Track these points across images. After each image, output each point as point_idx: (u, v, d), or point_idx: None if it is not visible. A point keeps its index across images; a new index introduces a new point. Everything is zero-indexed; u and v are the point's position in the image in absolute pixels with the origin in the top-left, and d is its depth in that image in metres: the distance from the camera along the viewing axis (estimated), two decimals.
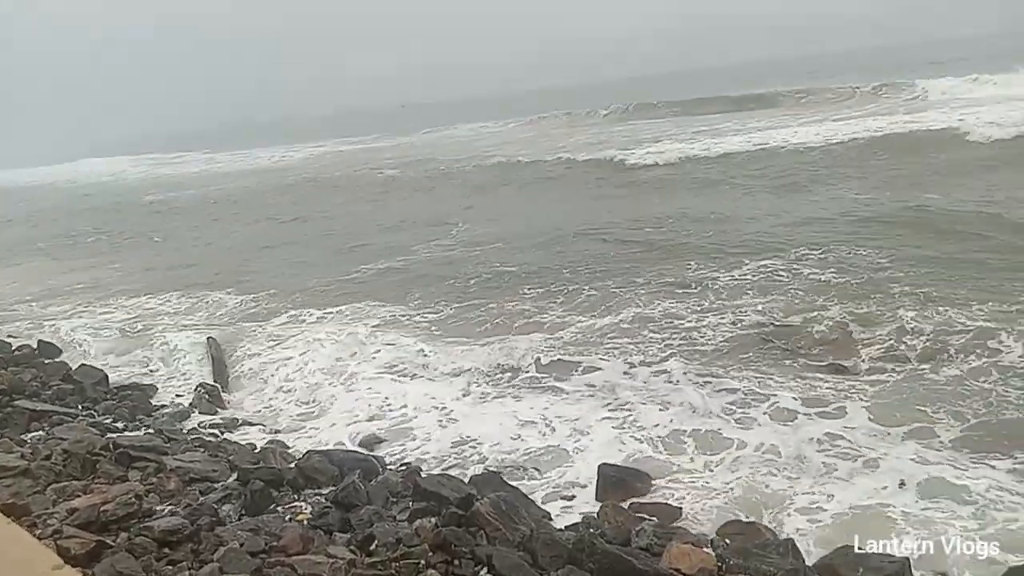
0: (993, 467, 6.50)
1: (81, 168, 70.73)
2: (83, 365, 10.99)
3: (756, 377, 8.78)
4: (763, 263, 12.56)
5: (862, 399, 7.95)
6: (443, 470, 7.50)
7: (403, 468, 7.47)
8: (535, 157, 31.81)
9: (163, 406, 9.65)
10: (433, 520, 5.86)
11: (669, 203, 19.40)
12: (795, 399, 8.12)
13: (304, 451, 7.61)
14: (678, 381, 8.90)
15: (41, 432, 7.96)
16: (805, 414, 7.80)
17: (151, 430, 8.35)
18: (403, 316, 12.67)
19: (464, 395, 9.34)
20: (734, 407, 8.15)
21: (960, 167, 18.66)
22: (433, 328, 11.99)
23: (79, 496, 5.87)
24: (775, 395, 8.26)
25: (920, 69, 49.78)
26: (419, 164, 36.86)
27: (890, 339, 9.13)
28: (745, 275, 12.14)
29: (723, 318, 10.52)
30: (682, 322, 10.60)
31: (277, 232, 23.50)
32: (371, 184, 32.62)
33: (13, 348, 11.88)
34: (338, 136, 70.37)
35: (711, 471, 7.05)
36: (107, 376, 10.46)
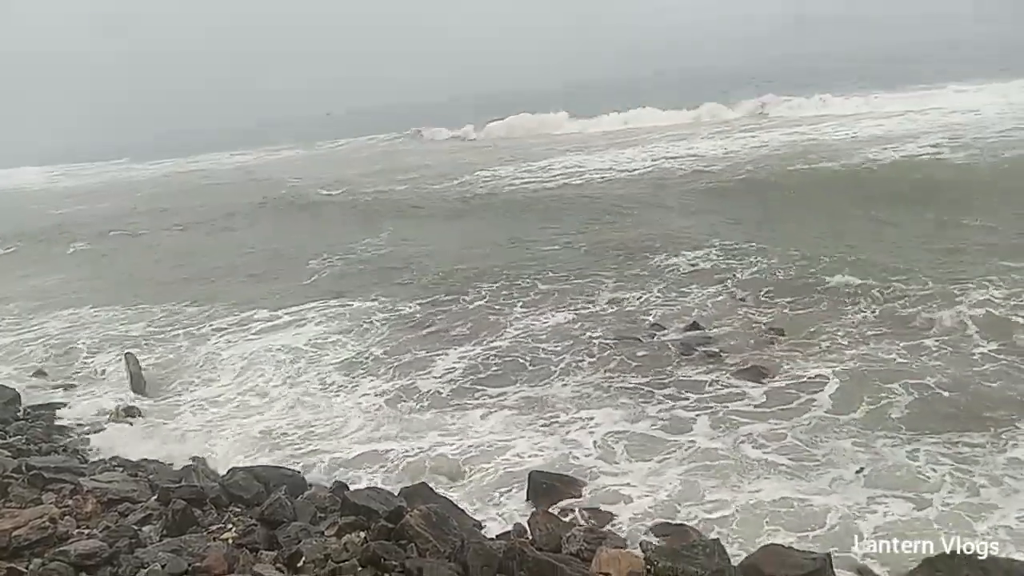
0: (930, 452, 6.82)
1: None
2: None
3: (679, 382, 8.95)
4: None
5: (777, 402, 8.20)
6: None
7: (331, 483, 7.38)
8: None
9: (80, 425, 9.31)
10: (362, 534, 5.81)
11: None
12: (717, 403, 8.32)
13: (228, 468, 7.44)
14: (609, 387, 9.01)
15: None
16: (733, 417, 7.97)
17: (67, 451, 8.04)
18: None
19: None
20: (664, 413, 8.30)
21: None
22: None
23: None
24: (701, 400, 8.44)
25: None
26: None
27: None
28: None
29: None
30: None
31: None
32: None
33: None
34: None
35: (641, 474, 7.14)
36: (19, 395, 10.05)
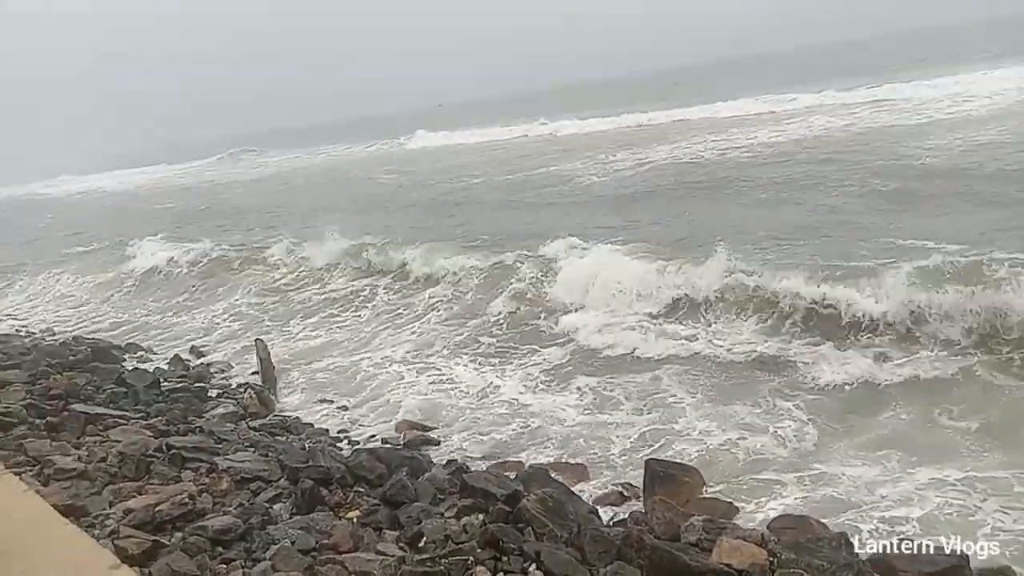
0: None
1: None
2: (136, 369, 11.23)
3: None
4: None
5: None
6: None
7: (450, 465, 7.52)
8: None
9: (214, 407, 9.81)
10: (481, 517, 5.87)
11: None
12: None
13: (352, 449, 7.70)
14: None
15: (97, 435, 8.12)
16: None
17: (203, 431, 8.47)
18: None
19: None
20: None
21: None
22: None
23: (134, 497, 5.98)
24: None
25: None
26: None
27: None
28: None
29: None
30: None
31: None
32: None
33: (69, 354, 12.16)
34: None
35: (762, 470, 6.97)
36: (159, 379, 10.66)
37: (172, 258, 19.48)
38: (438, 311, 13.02)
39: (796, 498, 6.41)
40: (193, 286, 17.69)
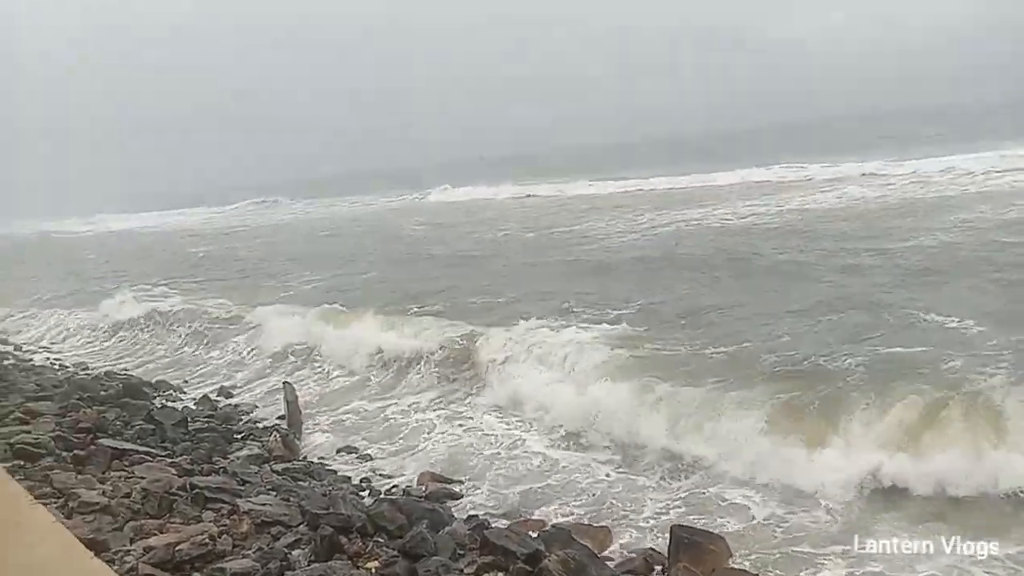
0: None
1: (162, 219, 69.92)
2: (164, 407, 11.32)
3: None
4: None
5: None
6: None
7: (471, 520, 7.44)
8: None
9: (239, 449, 9.84)
10: (500, 575, 5.79)
11: None
12: None
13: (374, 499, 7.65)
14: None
15: (122, 471, 8.17)
16: None
17: (227, 472, 8.48)
18: None
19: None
20: None
21: None
22: None
23: (155, 535, 5.98)
24: None
25: None
26: None
27: None
28: None
29: None
30: None
31: None
32: None
33: (100, 389, 12.31)
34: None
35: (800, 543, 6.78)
36: (187, 418, 10.73)
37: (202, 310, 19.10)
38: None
39: None
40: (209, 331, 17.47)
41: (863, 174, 33.89)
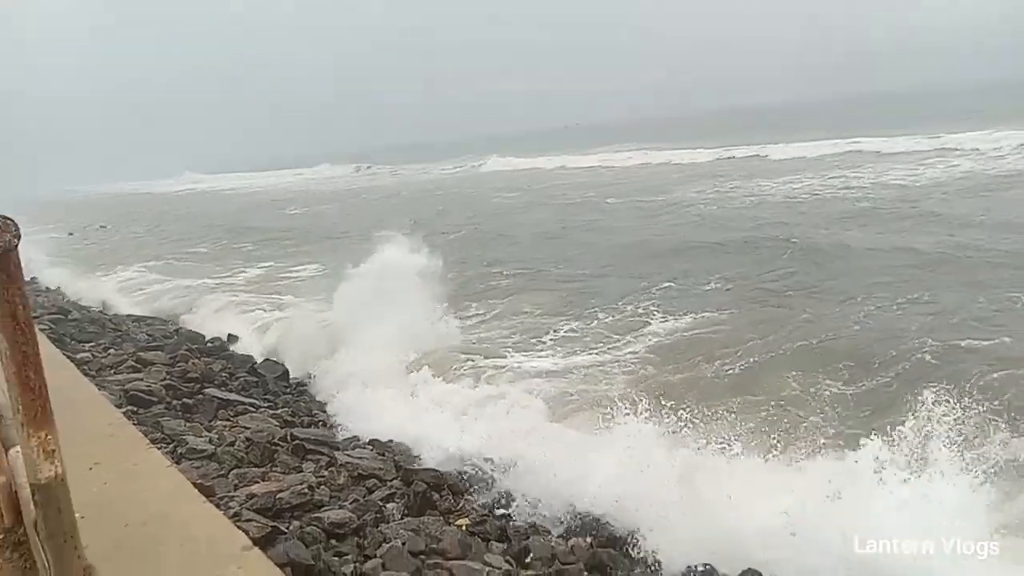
0: None
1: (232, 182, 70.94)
2: (267, 360, 11.72)
3: None
4: None
5: None
6: None
7: None
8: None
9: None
10: (588, 539, 5.83)
11: None
12: None
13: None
14: None
15: (227, 420, 8.52)
16: None
17: (325, 424, 8.76)
18: None
19: None
20: None
21: None
22: None
23: (258, 483, 6.23)
24: None
25: None
26: None
27: None
28: None
29: None
30: None
31: None
32: None
33: (206, 339, 12.83)
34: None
35: None
36: (288, 371, 11.09)
37: None
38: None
39: None
40: None
41: None
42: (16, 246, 1.26)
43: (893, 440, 6.10)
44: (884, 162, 31.32)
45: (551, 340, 12.10)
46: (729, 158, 42.31)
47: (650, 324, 12.15)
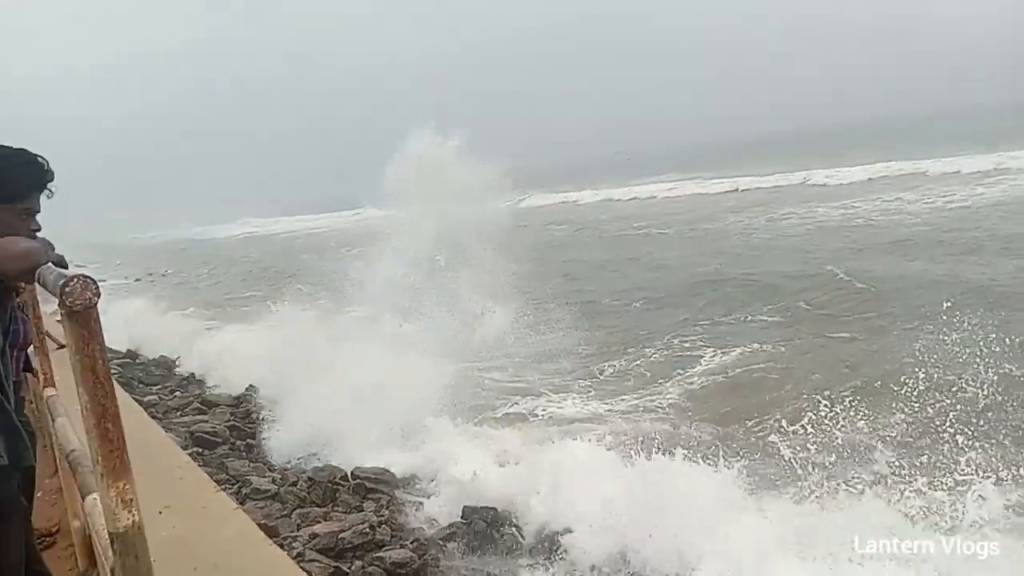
0: None
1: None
2: None
3: None
4: None
5: None
6: None
7: None
8: None
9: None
10: None
11: None
12: None
13: None
14: None
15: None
16: None
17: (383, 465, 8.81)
18: None
19: None
20: None
21: None
22: None
23: (320, 522, 6.31)
24: None
25: None
26: None
27: None
28: None
29: None
30: None
31: None
32: None
33: None
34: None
35: None
36: None
37: None
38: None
39: None
40: None
41: None
42: (96, 303, 1.32)
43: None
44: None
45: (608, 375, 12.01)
46: (790, 184, 41.10)
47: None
